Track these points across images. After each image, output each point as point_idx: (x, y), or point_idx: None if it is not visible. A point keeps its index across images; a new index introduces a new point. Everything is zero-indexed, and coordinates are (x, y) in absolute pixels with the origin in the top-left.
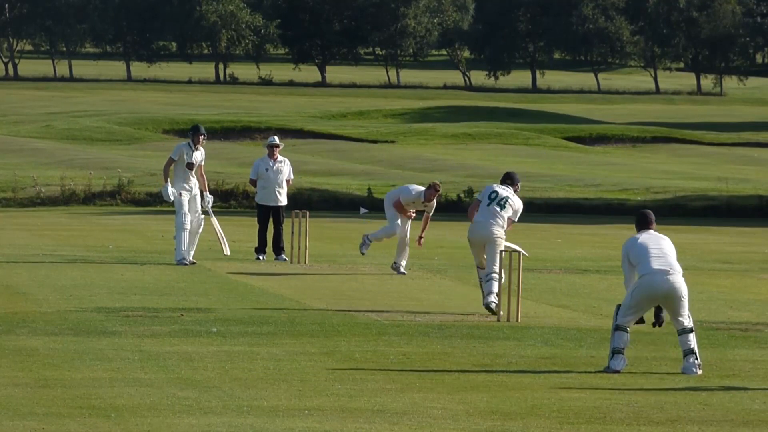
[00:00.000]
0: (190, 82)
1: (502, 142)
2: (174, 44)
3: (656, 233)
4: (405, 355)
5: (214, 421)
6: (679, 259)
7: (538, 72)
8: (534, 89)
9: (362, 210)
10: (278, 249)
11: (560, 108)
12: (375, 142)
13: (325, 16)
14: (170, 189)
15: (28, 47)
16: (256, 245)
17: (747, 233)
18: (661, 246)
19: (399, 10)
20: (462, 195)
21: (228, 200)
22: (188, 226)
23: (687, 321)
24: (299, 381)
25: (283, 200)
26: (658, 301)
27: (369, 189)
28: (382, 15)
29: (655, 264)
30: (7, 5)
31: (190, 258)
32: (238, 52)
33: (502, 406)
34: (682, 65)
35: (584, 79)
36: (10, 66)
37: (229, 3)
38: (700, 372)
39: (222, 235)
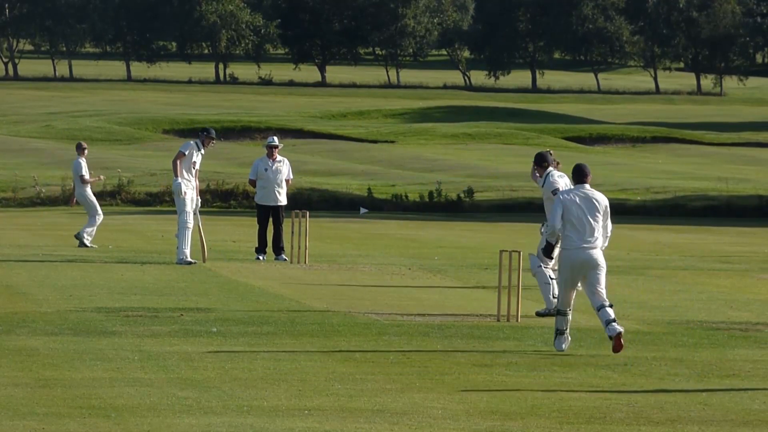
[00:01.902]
0: (190, 82)
1: (502, 142)
2: (174, 44)
3: (591, 191)
4: (405, 355)
5: (214, 421)
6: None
7: (538, 72)
8: (534, 89)
9: (362, 210)
10: (278, 249)
11: (560, 108)
12: (375, 142)
13: (325, 16)
14: (182, 184)
15: (28, 47)
16: (256, 245)
17: (747, 233)
18: (591, 219)
19: (399, 10)
20: (462, 195)
21: (228, 200)
22: (191, 225)
23: (603, 296)
24: (299, 381)
25: (283, 200)
26: (578, 270)
27: (369, 189)
28: (382, 15)
29: (578, 239)
30: (7, 5)
31: (188, 257)
32: (238, 52)
33: (502, 406)
34: (682, 65)
35: (584, 79)
36: (10, 66)
37: (229, 3)
38: (621, 329)
39: (204, 242)
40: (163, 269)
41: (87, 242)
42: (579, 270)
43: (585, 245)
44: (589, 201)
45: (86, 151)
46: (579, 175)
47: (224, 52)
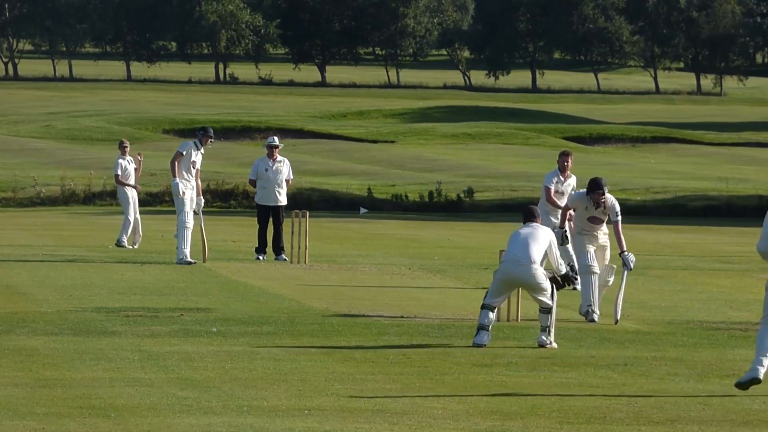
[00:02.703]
0: (190, 82)
1: (502, 142)
2: (174, 44)
3: (538, 226)
4: (405, 355)
5: (214, 421)
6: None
7: (538, 72)
8: (534, 89)
9: (362, 210)
10: (278, 249)
11: (560, 108)
12: (375, 142)
13: (325, 16)
14: (180, 185)
15: (28, 47)
16: (256, 245)
17: (747, 233)
18: (529, 238)
19: (399, 10)
20: (462, 195)
21: (228, 200)
22: (191, 225)
23: (546, 301)
24: (299, 381)
25: (283, 200)
26: (516, 286)
27: (369, 189)
28: (382, 15)
29: (512, 253)
30: (7, 5)
31: (188, 256)
32: (237, 52)
33: (502, 406)
34: (682, 65)
35: (584, 79)
36: (10, 66)
37: (229, 3)
38: (551, 344)
39: (205, 242)
40: (163, 269)
41: (124, 244)
42: (512, 283)
43: (514, 258)
44: (530, 230)
45: (127, 149)
46: (528, 216)
47: (224, 52)
